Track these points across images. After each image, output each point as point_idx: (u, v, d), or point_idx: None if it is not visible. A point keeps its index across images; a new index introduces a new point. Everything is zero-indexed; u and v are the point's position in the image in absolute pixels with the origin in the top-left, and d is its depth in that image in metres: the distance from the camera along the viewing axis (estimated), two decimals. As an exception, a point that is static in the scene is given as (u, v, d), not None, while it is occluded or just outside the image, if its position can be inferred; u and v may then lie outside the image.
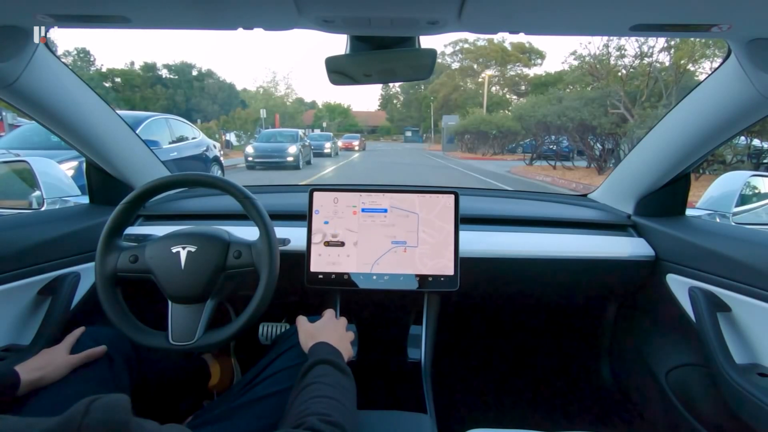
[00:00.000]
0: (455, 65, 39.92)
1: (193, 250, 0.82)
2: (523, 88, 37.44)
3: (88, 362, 0.77)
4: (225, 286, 0.85)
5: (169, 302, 0.83)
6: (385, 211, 1.03)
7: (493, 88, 38.25)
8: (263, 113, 24.04)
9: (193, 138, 6.43)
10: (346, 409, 0.59)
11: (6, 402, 0.67)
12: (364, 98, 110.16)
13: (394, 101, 53.44)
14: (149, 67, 34.76)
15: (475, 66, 39.17)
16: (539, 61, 38.79)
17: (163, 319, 0.83)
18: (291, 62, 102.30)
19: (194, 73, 36.76)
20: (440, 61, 37.68)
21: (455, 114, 27.20)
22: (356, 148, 25.64)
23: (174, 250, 0.82)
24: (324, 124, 42.38)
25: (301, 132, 14.09)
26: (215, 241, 0.85)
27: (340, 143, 24.19)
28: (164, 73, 36.07)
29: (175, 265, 0.82)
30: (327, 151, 18.48)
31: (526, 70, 38.94)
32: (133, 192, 0.85)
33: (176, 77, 35.66)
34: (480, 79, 37.35)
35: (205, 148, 6.59)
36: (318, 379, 0.64)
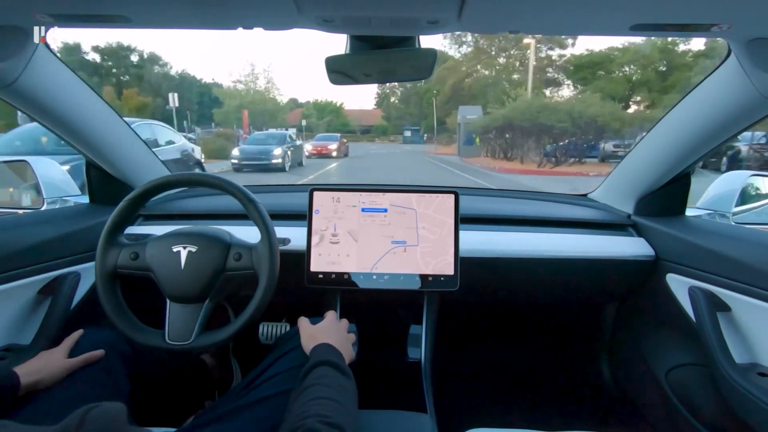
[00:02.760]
0: (469, 49, 31.08)
1: (193, 250, 0.82)
2: (551, 73, 28.43)
3: (85, 365, 0.77)
4: (223, 287, 0.85)
5: (167, 301, 0.83)
6: (385, 210, 1.03)
7: (514, 76, 28.47)
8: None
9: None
10: (346, 411, 0.59)
11: (6, 404, 0.67)
12: (358, 96, 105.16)
13: (392, 98, 47.92)
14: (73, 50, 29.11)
15: (492, 51, 29.84)
16: (570, 40, 27.50)
17: (160, 318, 0.83)
18: (286, 60, 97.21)
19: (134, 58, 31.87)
20: (446, 48, 31.46)
21: (473, 104, 20.55)
22: (333, 154, 17.48)
23: (175, 250, 0.82)
24: (304, 123, 33.99)
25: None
26: (216, 242, 0.84)
27: (308, 147, 16.83)
28: (96, 57, 31.43)
29: (175, 264, 0.82)
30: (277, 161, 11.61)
31: (559, 51, 28.43)
32: (136, 189, 0.85)
33: (111, 63, 31.11)
34: (499, 64, 28.01)
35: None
36: (318, 380, 0.63)
